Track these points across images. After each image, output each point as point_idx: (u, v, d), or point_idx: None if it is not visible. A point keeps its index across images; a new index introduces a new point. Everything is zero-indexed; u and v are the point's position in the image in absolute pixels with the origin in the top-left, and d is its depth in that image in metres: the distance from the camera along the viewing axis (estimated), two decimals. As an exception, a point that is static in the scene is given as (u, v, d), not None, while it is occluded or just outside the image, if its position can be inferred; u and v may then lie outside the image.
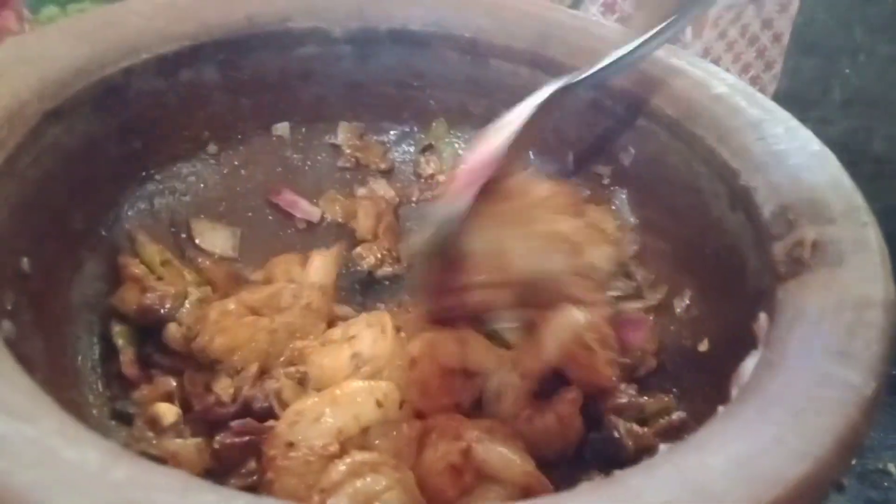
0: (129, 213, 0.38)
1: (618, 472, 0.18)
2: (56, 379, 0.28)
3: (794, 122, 0.33)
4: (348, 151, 0.44)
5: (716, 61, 0.68)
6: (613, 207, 0.41)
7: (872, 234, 0.26)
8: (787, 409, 0.20)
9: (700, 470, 0.18)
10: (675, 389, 0.32)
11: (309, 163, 0.43)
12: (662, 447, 0.24)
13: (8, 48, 0.31)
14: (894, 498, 0.42)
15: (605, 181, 0.41)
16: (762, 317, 0.26)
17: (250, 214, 0.42)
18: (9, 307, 0.27)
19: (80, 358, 0.32)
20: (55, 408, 0.18)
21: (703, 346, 0.33)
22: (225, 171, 0.41)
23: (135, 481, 0.16)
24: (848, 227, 0.26)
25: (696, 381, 0.32)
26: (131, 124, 0.36)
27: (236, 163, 0.42)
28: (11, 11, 0.47)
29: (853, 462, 0.43)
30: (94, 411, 0.30)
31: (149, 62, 0.36)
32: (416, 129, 0.46)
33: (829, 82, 0.74)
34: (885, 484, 0.43)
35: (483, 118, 0.44)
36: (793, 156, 0.30)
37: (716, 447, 0.19)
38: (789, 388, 0.21)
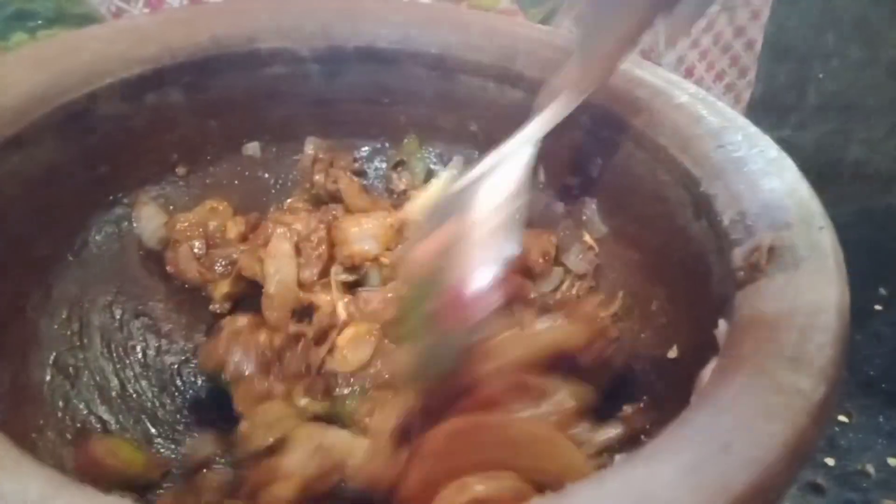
0: (97, 238, 0.37)
1: (568, 486, 0.18)
2: (18, 406, 0.28)
3: (752, 129, 0.33)
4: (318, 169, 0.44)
5: (690, 70, 0.68)
6: (584, 217, 0.41)
7: (828, 239, 0.26)
8: (737, 416, 0.20)
9: (649, 480, 0.18)
10: (645, 397, 0.32)
11: (280, 182, 0.43)
12: (617, 457, 0.24)
13: (-35, 77, 0.31)
14: (874, 499, 0.42)
15: (575, 192, 0.42)
16: (722, 323, 0.26)
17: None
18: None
19: (45, 387, 0.32)
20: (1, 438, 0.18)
21: (673, 353, 0.33)
22: (195, 193, 0.41)
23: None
24: (804, 232, 0.27)
25: (666, 388, 0.32)
26: (97, 149, 0.36)
27: (207, 183, 0.42)
28: (-22, 39, 0.47)
29: (825, 458, 0.43)
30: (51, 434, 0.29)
31: (113, 86, 0.36)
32: (387, 144, 0.46)
33: (804, 87, 0.74)
34: (864, 485, 0.43)
35: (452, 132, 0.44)
36: (751, 162, 0.31)
37: (666, 456, 0.19)
38: (741, 394, 0.21)
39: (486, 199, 0.30)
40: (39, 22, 0.48)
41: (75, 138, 0.35)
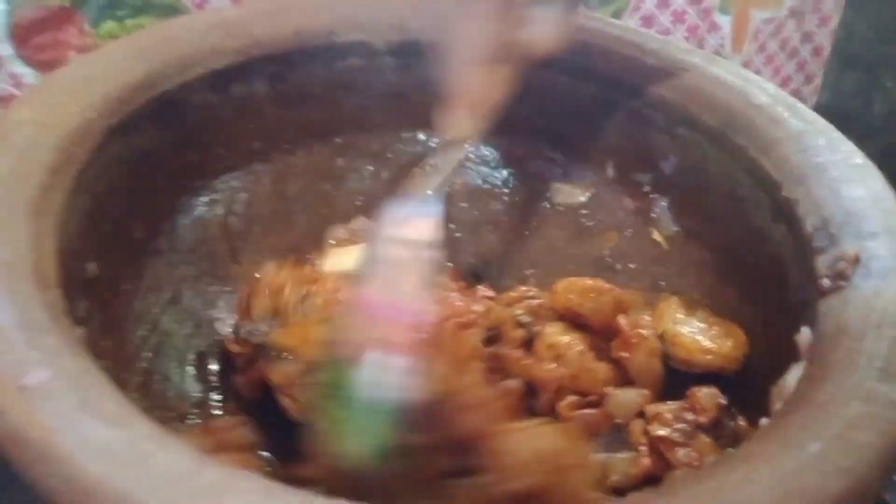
0: (185, 222, 0.39)
1: (664, 485, 0.19)
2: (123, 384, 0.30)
3: (835, 134, 0.33)
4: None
5: (755, 74, 0.67)
6: (654, 215, 0.42)
7: (916, 250, 0.26)
8: (830, 424, 0.20)
9: (744, 484, 0.19)
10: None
11: (356, 174, 0.45)
12: (707, 460, 0.25)
13: (75, 67, 0.33)
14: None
15: (646, 189, 0.42)
16: (804, 330, 0.27)
17: (300, 222, 0.43)
18: (81, 314, 0.29)
19: (144, 364, 0.34)
20: (141, 414, 0.19)
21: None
22: (275, 182, 0.43)
23: (222, 484, 0.17)
24: (890, 242, 0.27)
25: (736, 391, 0.32)
26: (186, 137, 0.38)
27: (284, 173, 0.43)
28: (74, 27, 0.49)
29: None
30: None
31: (203, 77, 0.37)
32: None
33: (871, 96, 0.72)
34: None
35: (524, 126, 0.45)
36: (834, 168, 0.31)
37: (760, 462, 0.19)
38: (832, 403, 0.21)
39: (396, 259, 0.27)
40: (127, 11, 0.50)
41: (169, 126, 0.37)
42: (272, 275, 0.36)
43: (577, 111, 0.43)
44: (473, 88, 0.31)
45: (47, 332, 0.21)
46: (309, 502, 0.18)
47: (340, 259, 0.38)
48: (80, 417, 0.19)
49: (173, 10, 0.50)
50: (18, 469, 0.19)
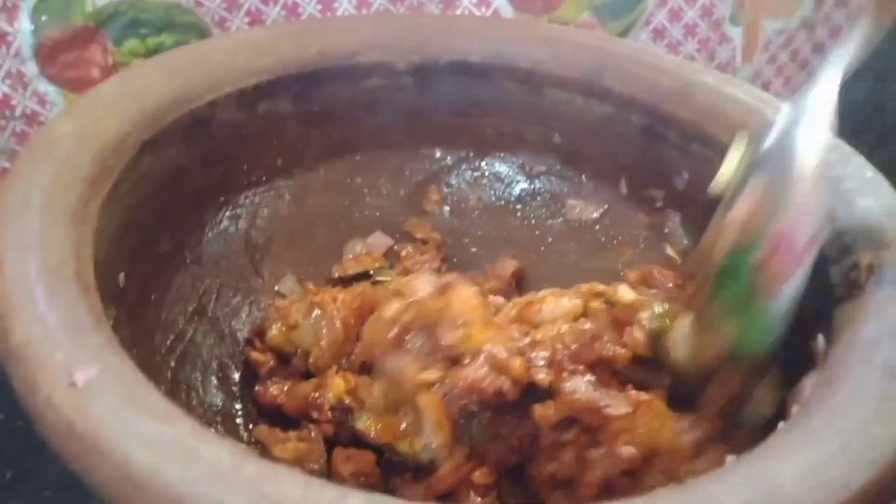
0: (210, 236, 0.40)
1: (691, 480, 0.19)
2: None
3: (846, 148, 0.34)
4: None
5: (766, 85, 0.68)
6: (667, 230, 0.43)
7: (926, 259, 0.27)
8: (851, 420, 0.21)
9: (771, 476, 0.19)
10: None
11: (374, 190, 0.46)
12: (729, 458, 0.26)
13: (112, 84, 0.34)
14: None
15: (658, 204, 0.43)
16: (820, 338, 0.27)
17: (320, 236, 0.44)
18: (111, 322, 0.30)
19: (169, 373, 0.35)
20: (182, 411, 0.20)
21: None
22: (296, 197, 0.44)
23: (264, 477, 0.18)
24: (902, 251, 0.27)
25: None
26: (213, 153, 0.39)
27: (305, 188, 0.44)
28: (97, 45, 0.51)
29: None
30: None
31: (231, 95, 0.39)
32: (471, 154, 0.48)
33: (882, 104, 0.73)
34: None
35: (536, 144, 0.46)
36: (846, 181, 0.31)
37: (784, 455, 0.20)
38: (851, 402, 0.22)
39: (800, 150, 0.28)
40: (149, 29, 0.51)
41: (198, 142, 0.38)
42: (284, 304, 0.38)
43: (591, 129, 0.44)
44: None
45: (92, 333, 0.22)
46: (344, 495, 0.18)
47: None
48: (127, 412, 0.20)
49: (194, 28, 0.52)
50: (69, 461, 0.19)
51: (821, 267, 0.30)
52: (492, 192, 0.47)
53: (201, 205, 0.40)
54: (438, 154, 0.47)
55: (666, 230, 0.42)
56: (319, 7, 0.52)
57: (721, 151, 0.38)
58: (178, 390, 0.34)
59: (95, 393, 0.20)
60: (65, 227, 0.27)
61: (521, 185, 0.47)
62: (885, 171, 0.32)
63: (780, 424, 0.24)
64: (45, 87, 0.50)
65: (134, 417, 0.19)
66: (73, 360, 0.21)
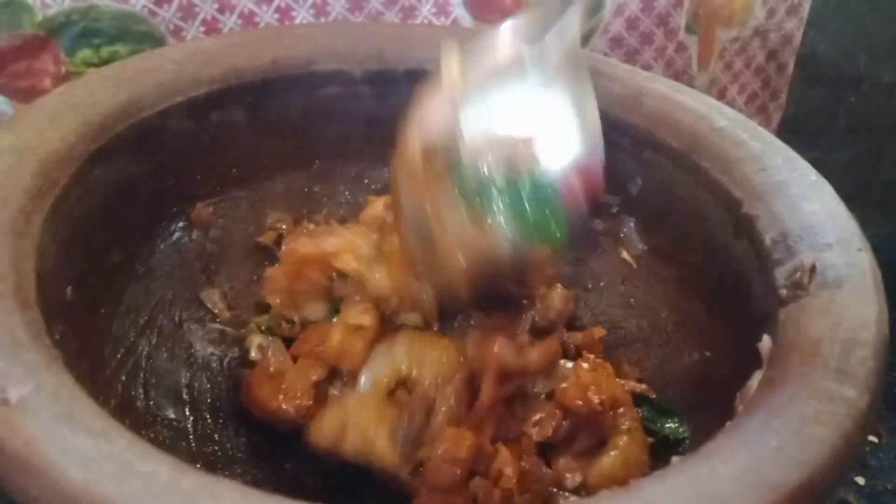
0: (161, 247, 0.40)
1: (632, 482, 0.20)
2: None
3: (792, 154, 0.34)
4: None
5: (722, 91, 0.70)
6: (622, 235, 0.43)
7: (867, 259, 0.28)
8: (788, 421, 0.21)
9: (710, 478, 0.19)
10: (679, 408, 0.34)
11: (333, 199, 0.45)
12: (674, 459, 0.26)
13: (57, 96, 0.34)
14: (904, 518, 0.43)
15: (614, 210, 0.43)
16: (766, 338, 0.28)
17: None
18: (57, 337, 0.29)
19: (120, 387, 0.34)
20: (121, 427, 0.20)
21: (709, 367, 0.35)
22: (251, 207, 0.44)
23: (202, 490, 0.18)
24: (844, 253, 0.28)
25: (702, 399, 0.33)
26: (165, 163, 0.39)
27: (262, 198, 0.44)
28: (49, 55, 0.50)
29: (856, 477, 0.44)
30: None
31: (182, 105, 0.38)
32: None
33: (835, 110, 0.75)
34: (893, 504, 0.44)
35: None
36: (792, 185, 0.32)
37: (724, 457, 0.20)
38: (790, 402, 0.22)
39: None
40: (103, 39, 0.51)
41: (148, 152, 0.37)
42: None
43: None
44: None
45: (28, 350, 0.22)
46: (287, 507, 0.18)
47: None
48: (61, 429, 0.19)
49: (149, 38, 0.51)
50: (1, 480, 0.19)
51: (767, 268, 0.30)
52: (451, 200, 0.47)
53: (153, 216, 0.39)
54: (397, 163, 0.47)
55: (621, 235, 0.43)
56: (276, 16, 0.52)
57: (672, 157, 0.39)
58: (129, 404, 0.34)
59: (29, 410, 0.19)
60: (4, 242, 0.26)
61: (481, 194, 0.47)
62: (839, 174, 0.33)
63: (728, 423, 0.24)
64: (-5, 98, 0.49)
65: (68, 434, 0.19)
66: (6, 377, 0.20)
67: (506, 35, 0.32)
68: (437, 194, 0.29)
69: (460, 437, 0.30)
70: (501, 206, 0.28)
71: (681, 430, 0.34)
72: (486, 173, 0.28)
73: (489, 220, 0.28)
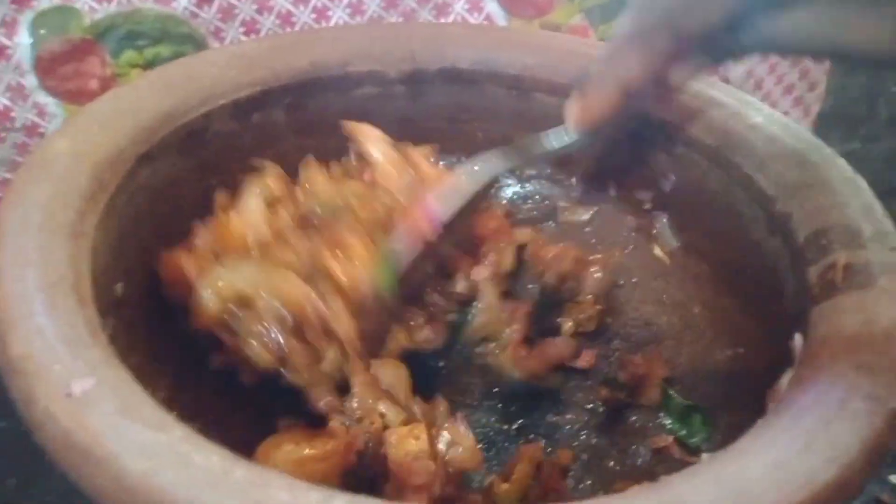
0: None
1: (663, 478, 0.20)
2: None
3: (827, 151, 0.34)
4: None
5: (758, 83, 0.69)
6: (654, 231, 0.43)
7: (901, 258, 0.28)
8: (817, 419, 0.22)
9: (739, 474, 0.20)
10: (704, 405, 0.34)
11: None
12: (704, 456, 0.26)
13: (107, 101, 0.35)
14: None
15: (647, 206, 0.44)
16: (797, 336, 0.28)
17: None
18: (108, 332, 0.31)
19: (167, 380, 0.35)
20: (176, 419, 0.21)
21: (741, 364, 0.35)
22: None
23: (252, 480, 0.19)
24: (878, 251, 0.28)
25: (734, 396, 0.34)
26: (209, 164, 0.40)
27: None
28: (96, 57, 0.52)
29: (890, 475, 0.44)
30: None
31: (225, 107, 0.39)
32: (463, 159, 0.48)
33: (875, 100, 0.74)
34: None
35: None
36: (826, 183, 0.32)
37: (754, 454, 0.21)
38: (820, 400, 0.22)
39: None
40: (146, 41, 0.52)
41: (193, 154, 0.39)
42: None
43: (580, 133, 0.44)
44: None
45: (88, 346, 0.23)
46: (329, 496, 0.19)
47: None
48: (122, 422, 0.20)
49: (190, 39, 0.53)
50: (66, 470, 0.20)
51: (800, 266, 0.30)
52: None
53: (198, 214, 0.40)
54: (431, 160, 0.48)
55: (654, 231, 0.43)
56: (313, 16, 0.53)
57: (706, 154, 0.39)
58: (174, 398, 0.35)
59: (91, 403, 0.21)
60: (62, 242, 0.27)
61: (513, 189, 0.48)
62: (879, 165, 0.33)
63: (758, 421, 0.25)
64: (45, 100, 0.51)
65: (128, 426, 0.20)
66: (70, 371, 0.22)
67: None
68: None
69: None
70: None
71: (697, 438, 0.34)
72: None
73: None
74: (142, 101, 0.36)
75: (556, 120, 0.45)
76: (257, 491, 0.19)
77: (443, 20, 0.55)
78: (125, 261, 0.34)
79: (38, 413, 0.21)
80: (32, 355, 0.22)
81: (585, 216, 0.46)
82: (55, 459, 0.21)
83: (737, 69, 0.67)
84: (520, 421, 0.41)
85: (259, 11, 0.52)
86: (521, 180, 0.47)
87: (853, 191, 0.32)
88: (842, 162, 0.34)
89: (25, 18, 0.48)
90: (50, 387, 0.21)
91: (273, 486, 0.19)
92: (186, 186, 0.39)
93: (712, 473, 0.20)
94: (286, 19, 0.53)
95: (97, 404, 0.21)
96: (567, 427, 0.40)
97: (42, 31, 0.49)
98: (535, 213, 0.47)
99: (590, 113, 0.32)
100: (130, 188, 0.34)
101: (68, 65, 0.51)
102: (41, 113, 0.51)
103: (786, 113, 0.70)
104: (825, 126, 0.72)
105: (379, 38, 0.44)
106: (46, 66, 0.50)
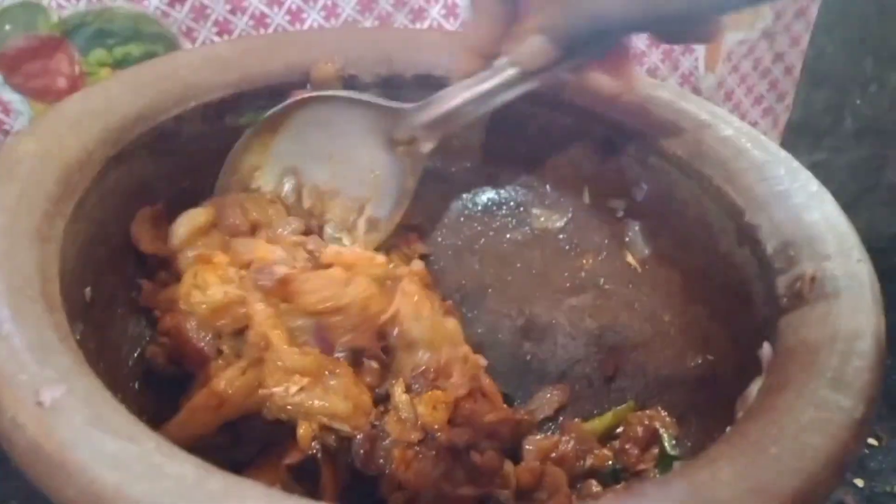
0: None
1: (635, 485, 0.21)
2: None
3: (794, 164, 0.35)
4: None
5: (729, 93, 0.70)
6: (627, 239, 0.44)
7: (865, 270, 0.28)
8: (785, 429, 0.22)
9: (710, 483, 0.20)
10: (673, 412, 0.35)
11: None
12: (676, 464, 0.27)
13: (76, 101, 0.35)
14: (901, 520, 0.44)
15: (619, 214, 0.44)
16: (766, 346, 0.29)
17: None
18: (77, 336, 0.30)
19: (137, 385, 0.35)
20: (148, 429, 0.21)
21: (710, 371, 0.36)
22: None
23: (227, 491, 0.19)
24: (843, 263, 0.29)
25: (703, 403, 0.34)
26: (180, 166, 0.39)
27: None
28: (64, 55, 0.50)
29: (855, 479, 0.45)
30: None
31: (196, 109, 0.39)
32: (438, 165, 0.48)
33: (841, 112, 0.76)
34: (893, 507, 0.45)
35: (503, 155, 0.47)
36: (793, 195, 0.33)
37: (724, 463, 0.21)
38: (788, 410, 0.23)
39: None
40: (116, 39, 0.51)
41: (164, 156, 0.38)
42: None
43: (554, 140, 0.45)
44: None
45: (58, 352, 0.23)
46: (306, 508, 0.19)
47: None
48: (93, 431, 0.20)
49: (161, 38, 0.52)
50: (35, 480, 0.20)
51: (768, 277, 0.31)
52: (458, 202, 0.48)
53: (169, 218, 0.40)
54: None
55: (626, 239, 0.44)
56: (287, 18, 0.53)
57: (677, 165, 0.39)
58: (145, 404, 0.35)
59: (61, 413, 0.20)
60: (30, 246, 0.27)
61: (488, 195, 0.48)
62: (845, 176, 0.34)
63: (728, 429, 0.25)
64: (10, 96, 0.50)
65: (99, 436, 0.20)
66: (39, 380, 0.21)
67: None
68: None
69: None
70: None
71: None
72: None
73: None
74: (112, 102, 0.35)
75: (532, 128, 0.46)
76: (232, 501, 0.19)
77: (418, 25, 0.55)
78: (94, 264, 0.34)
79: (6, 422, 0.20)
80: (-1, 363, 0.22)
81: (559, 223, 0.46)
82: (23, 470, 0.20)
83: (707, 79, 0.69)
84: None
85: (232, 12, 0.52)
86: (496, 186, 0.48)
87: (819, 203, 0.32)
88: (808, 175, 0.35)
89: (-11, 14, 0.47)
90: (17, 396, 0.21)
91: (249, 496, 0.19)
92: (157, 189, 0.38)
93: (684, 481, 0.21)
94: (260, 21, 0.53)
95: (67, 413, 0.20)
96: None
97: (7, 27, 0.48)
98: (509, 219, 0.48)
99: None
100: (100, 191, 0.33)
101: (35, 62, 0.49)
102: (6, 110, 0.50)
103: (755, 123, 0.71)
104: (793, 136, 0.73)
105: (354, 41, 0.44)
106: (11, 63, 0.49)
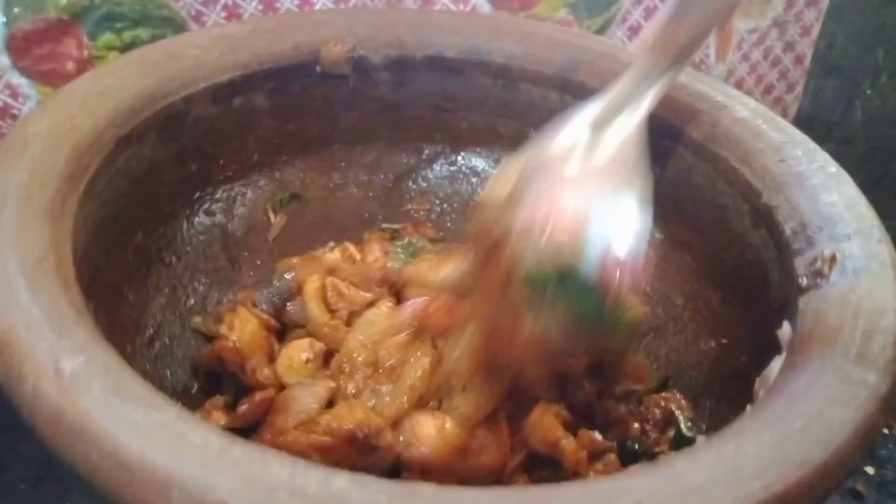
0: (186, 230, 0.40)
1: (662, 457, 0.20)
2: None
3: (812, 145, 0.35)
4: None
5: (739, 83, 0.70)
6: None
7: (886, 251, 0.28)
8: (811, 403, 0.22)
9: (736, 454, 0.20)
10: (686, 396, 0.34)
11: (350, 184, 0.46)
12: (700, 438, 0.27)
13: (86, 81, 0.34)
14: (913, 507, 0.44)
15: (632, 198, 0.44)
16: (786, 325, 0.28)
17: (296, 229, 0.44)
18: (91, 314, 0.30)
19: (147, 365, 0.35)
20: (169, 399, 0.21)
21: (724, 355, 0.35)
22: (272, 191, 0.44)
23: (252, 459, 0.19)
24: (863, 243, 0.29)
25: (716, 387, 0.34)
26: (189, 148, 0.39)
27: (282, 182, 0.45)
28: (72, 38, 0.50)
29: (865, 467, 0.45)
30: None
31: (206, 90, 0.39)
32: (447, 148, 0.48)
33: (851, 103, 0.75)
34: (904, 494, 0.44)
35: (512, 139, 0.47)
36: (811, 177, 0.33)
37: (750, 436, 0.21)
38: (813, 386, 0.23)
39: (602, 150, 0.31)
40: (125, 23, 0.51)
41: (173, 137, 0.38)
42: None
43: (566, 124, 0.45)
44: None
45: (76, 324, 0.22)
46: (330, 476, 0.19)
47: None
48: (114, 399, 0.20)
49: (170, 22, 0.51)
50: (57, 449, 0.20)
51: (786, 258, 0.31)
52: (468, 186, 0.48)
53: (177, 199, 0.40)
54: (415, 148, 0.48)
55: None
56: (297, 1, 0.52)
57: (691, 147, 0.39)
58: (154, 381, 0.34)
59: (82, 381, 0.20)
60: (43, 223, 0.27)
61: (497, 179, 0.48)
62: (854, 166, 0.34)
63: (748, 407, 0.25)
64: (18, 80, 0.50)
65: (121, 404, 0.20)
66: (58, 350, 0.21)
67: (575, 121, 0.33)
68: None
69: None
70: (552, 299, 0.29)
71: None
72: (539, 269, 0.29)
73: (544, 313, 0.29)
74: (122, 82, 0.35)
75: (541, 110, 0.46)
76: (256, 469, 0.18)
77: (428, 9, 0.55)
78: (104, 244, 0.33)
79: (27, 392, 0.20)
80: (18, 334, 0.22)
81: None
82: (45, 438, 0.20)
83: (719, 68, 0.68)
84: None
85: (241, -5, 0.52)
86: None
87: (838, 184, 0.32)
88: (825, 156, 0.34)
89: (-3, -4, 0.46)
90: (38, 365, 0.21)
91: (273, 464, 0.19)
92: (166, 170, 0.38)
93: (711, 452, 0.20)
94: (269, 4, 0.52)
95: (88, 382, 0.20)
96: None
97: (16, 10, 0.47)
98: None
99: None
100: (110, 171, 0.33)
101: (43, 45, 0.49)
102: (14, 94, 0.50)
103: (764, 113, 0.70)
104: (802, 127, 0.73)
105: (364, 22, 0.44)
106: (20, 46, 0.48)
